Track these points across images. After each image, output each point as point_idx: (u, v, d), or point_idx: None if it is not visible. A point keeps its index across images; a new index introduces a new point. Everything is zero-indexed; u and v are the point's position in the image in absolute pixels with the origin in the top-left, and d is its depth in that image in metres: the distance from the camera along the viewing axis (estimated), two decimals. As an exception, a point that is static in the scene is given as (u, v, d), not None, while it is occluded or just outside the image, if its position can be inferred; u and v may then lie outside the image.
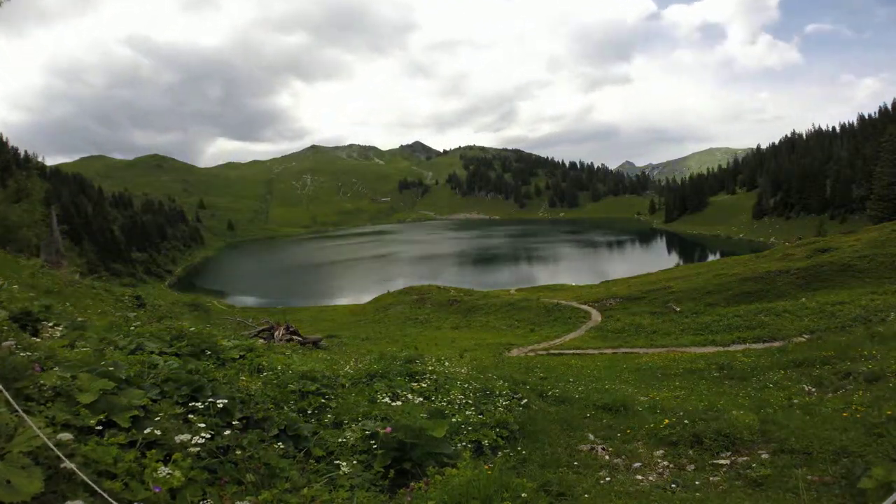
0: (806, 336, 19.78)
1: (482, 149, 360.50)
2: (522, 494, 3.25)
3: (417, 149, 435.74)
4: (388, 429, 4.03)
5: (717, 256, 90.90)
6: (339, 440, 4.00)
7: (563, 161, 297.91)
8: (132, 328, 5.81)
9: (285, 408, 4.34)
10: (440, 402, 5.97)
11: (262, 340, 14.88)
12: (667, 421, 6.33)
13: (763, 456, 5.13)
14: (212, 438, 2.95)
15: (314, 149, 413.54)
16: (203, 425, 2.96)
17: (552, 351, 26.02)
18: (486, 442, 5.00)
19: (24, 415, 1.82)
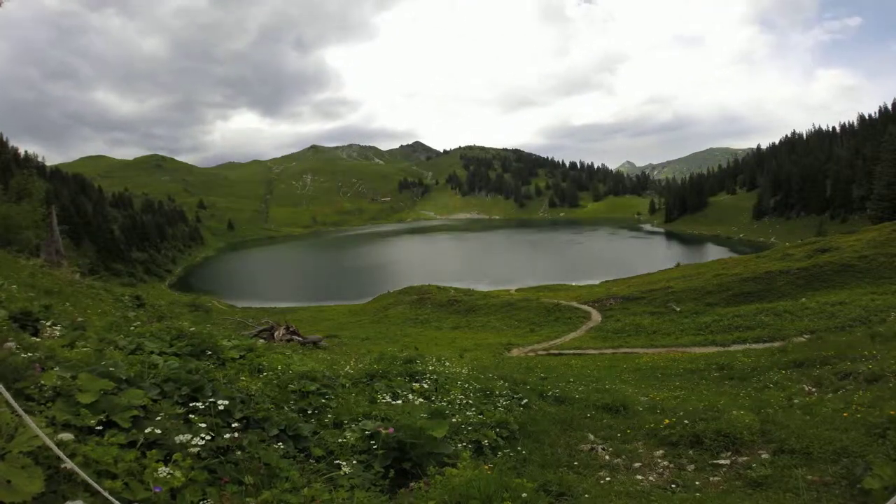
0: (806, 336, 19.81)
1: (482, 148, 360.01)
2: (523, 494, 3.24)
3: (417, 148, 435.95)
4: (389, 429, 4.03)
5: (717, 257, 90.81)
6: (339, 440, 3.99)
7: (563, 161, 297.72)
8: (132, 328, 5.81)
9: (285, 408, 4.34)
10: (440, 402, 5.97)
11: (262, 340, 14.88)
12: (667, 421, 6.33)
13: (763, 456, 5.13)
14: (212, 439, 2.95)
15: (314, 149, 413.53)
16: (203, 425, 2.96)
17: (552, 351, 26.04)
18: (486, 442, 5.00)
19: (23, 414, 1.82)
